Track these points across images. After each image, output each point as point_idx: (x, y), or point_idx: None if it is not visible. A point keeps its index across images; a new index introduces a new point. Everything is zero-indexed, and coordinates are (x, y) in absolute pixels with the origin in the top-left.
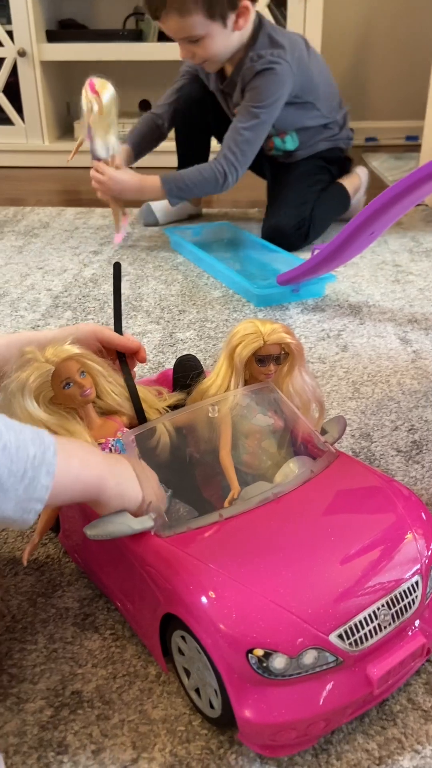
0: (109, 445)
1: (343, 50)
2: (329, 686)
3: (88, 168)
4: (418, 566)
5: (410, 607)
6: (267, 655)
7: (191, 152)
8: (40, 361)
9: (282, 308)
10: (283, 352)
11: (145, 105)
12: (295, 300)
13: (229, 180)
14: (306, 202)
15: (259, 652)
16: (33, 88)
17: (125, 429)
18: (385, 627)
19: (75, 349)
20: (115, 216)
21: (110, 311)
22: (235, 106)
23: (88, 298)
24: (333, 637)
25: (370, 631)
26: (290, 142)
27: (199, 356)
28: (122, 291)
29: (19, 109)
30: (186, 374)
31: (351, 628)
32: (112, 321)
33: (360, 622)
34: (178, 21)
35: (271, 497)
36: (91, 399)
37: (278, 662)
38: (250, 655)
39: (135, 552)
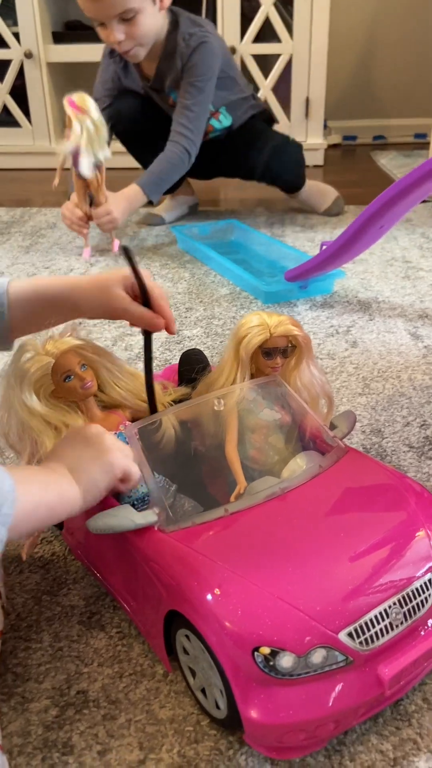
0: None
1: (350, 48)
2: (339, 686)
3: None
4: (431, 564)
5: (423, 606)
6: (274, 654)
7: (151, 157)
8: (40, 354)
9: (290, 305)
10: (290, 345)
11: None
12: (303, 297)
13: (192, 156)
14: (272, 138)
15: (266, 650)
16: (39, 89)
17: (128, 423)
18: (396, 626)
19: (76, 341)
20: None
21: None
22: (169, 93)
23: None
24: (342, 636)
25: (381, 629)
26: (224, 119)
27: (206, 353)
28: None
29: (26, 111)
30: (192, 368)
31: (361, 627)
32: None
33: (371, 620)
34: None
35: (278, 492)
36: (92, 392)
37: (285, 661)
38: (256, 653)
39: (138, 547)
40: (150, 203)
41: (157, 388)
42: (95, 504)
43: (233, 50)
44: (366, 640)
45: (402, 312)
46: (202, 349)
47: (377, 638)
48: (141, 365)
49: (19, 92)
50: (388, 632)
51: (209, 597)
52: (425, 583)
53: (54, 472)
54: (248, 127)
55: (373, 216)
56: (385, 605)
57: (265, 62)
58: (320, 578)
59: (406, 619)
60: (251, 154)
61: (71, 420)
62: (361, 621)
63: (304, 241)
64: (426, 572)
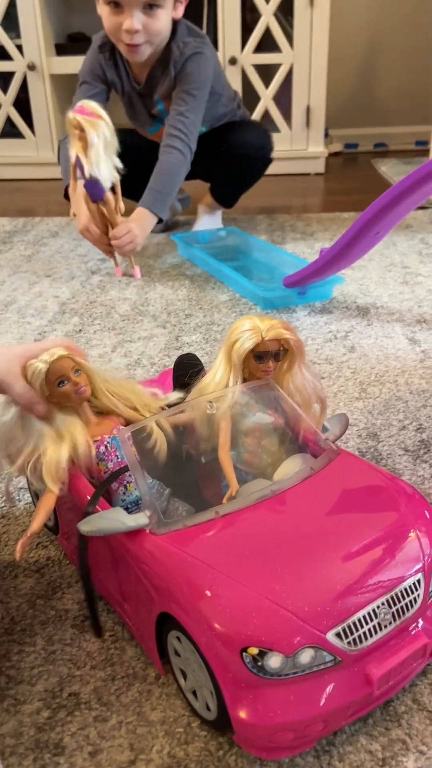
0: (105, 443)
1: (351, 56)
2: (328, 687)
3: None
4: (420, 565)
5: (411, 606)
6: (262, 654)
7: (141, 186)
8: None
9: (289, 311)
10: (282, 349)
11: None
12: (302, 303)
13: (191, 151)
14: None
15: (254, 650)
16: (43, 101)
17: (121, 427)
18: (385, 626)
19: (66, 352)
20: (131, 260)
21: (117, 316)
22: (156, 102)
23: (95, 303)
24: (330, 636)
25: (369, 630)
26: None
27: (204, 359)
28: (128, 298)
29: (29, 123)
30: (186, 372)
31: (349, 627)
32: (119, 325)
33: (359, 620)
34: None
35: (270, 494)
36: (86, 397)
37: (274, 661)
38: (244, 653)
39: (130, 550)
40: (160, 221)
41: (148, 395)
42: None
43: (234, 60)
44: (354, 640)
45: (400, 317)
46: (201, 355)
47: (365, 638)
48: (138, 371)
49: (22, 104)
50: (376, 632)
51: (198, 598)
52: (414, 583)
53: None
54: (221, 125)
55: (368, 222)
56: (374, 605)
57: (266, 72)
58: (309, 579)
59: (394, 620)
60: (223, 138)
61: (71, 422)
62: (350, 621)
63: (304, 248)
64: (415, 573)
